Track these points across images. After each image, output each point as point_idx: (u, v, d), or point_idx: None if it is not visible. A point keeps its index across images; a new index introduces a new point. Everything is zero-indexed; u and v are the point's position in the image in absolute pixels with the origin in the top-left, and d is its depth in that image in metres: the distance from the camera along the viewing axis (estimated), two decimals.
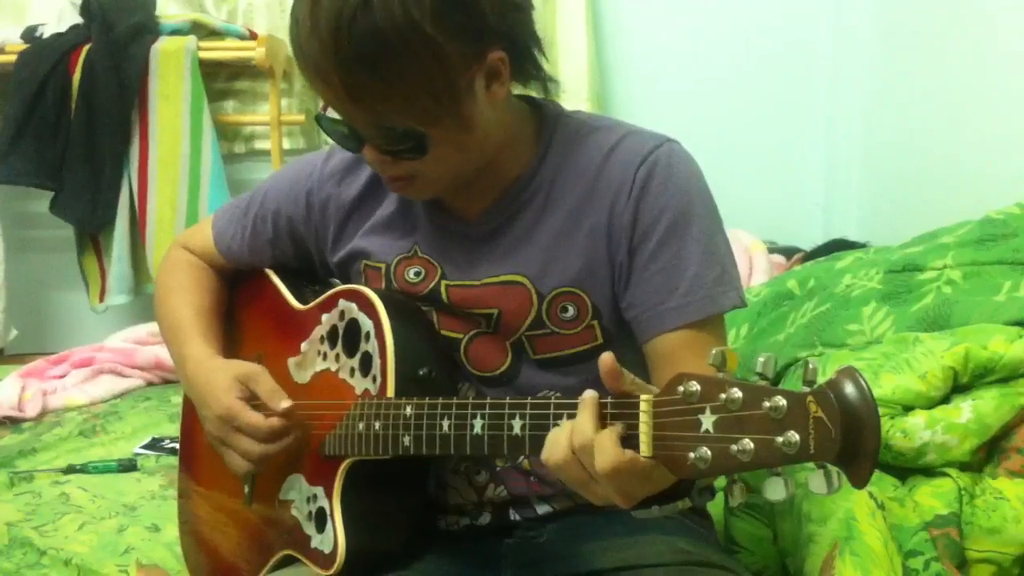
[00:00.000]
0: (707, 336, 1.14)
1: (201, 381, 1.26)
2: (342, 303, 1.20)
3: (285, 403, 1.17)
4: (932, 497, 1.32)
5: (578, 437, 0.90)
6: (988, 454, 1.39)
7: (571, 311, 1.17)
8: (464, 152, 1.12)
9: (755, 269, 2.70)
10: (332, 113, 1.11)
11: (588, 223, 1.16)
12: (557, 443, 0.92)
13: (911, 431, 1.35)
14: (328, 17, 1.00)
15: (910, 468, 1.38)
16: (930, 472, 1.37)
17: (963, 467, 1.36)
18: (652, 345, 1.16)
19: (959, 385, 1.39)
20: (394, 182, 1.14)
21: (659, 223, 1.14)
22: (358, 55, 1.00)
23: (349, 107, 1.06)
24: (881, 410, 1.36)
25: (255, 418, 1.18)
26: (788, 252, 2.88)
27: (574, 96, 3.07)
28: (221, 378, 1.23)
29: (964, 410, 1.35)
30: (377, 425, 1.09)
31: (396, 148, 1.09)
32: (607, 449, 0.87)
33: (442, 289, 1.20)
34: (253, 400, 1.21)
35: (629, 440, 0.87)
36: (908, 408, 1.38)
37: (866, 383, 0.76)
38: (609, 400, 0.90)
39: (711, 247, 1.15)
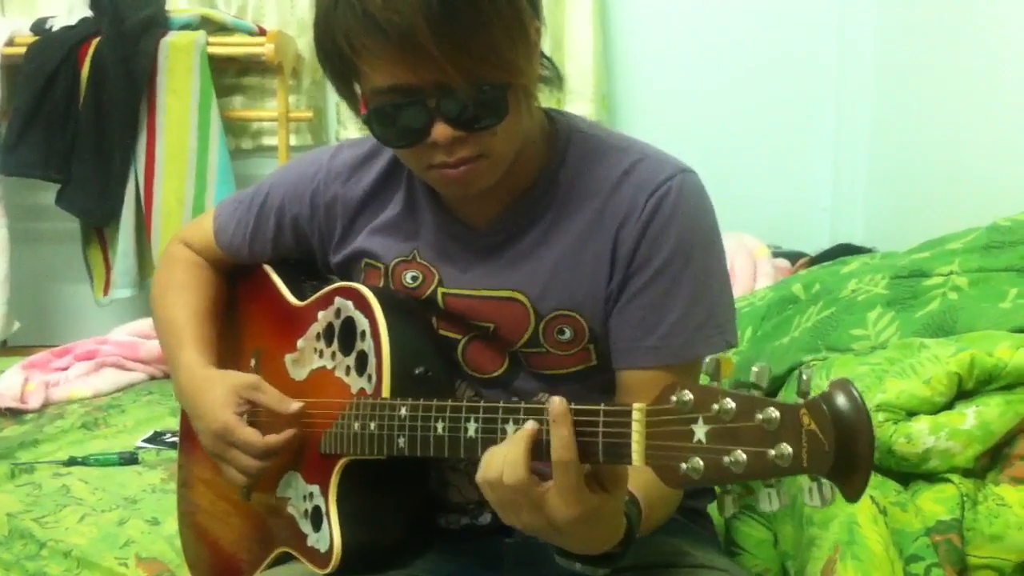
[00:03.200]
0: (680, 379, 1.13)
1: (194, 393, 1.25)
2: (338, 300, 1.20)
3: (295, 405, 1.17)
4: (934, 503, 1.31)
5: (510, 475, 0.91)
6: (991, 460, 1.38)
7: (568, 333, 1.17)
8: (523, 125, 1.11)
9: (759, 273, 2.69)
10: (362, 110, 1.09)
11: (593, 248, 1.15)
12: (492, 464, 0.93)
13: (915, 436, 1.34)
14: None
15: (913, 473, 1.38)
16: (933, 478, 1.36)
17: (966, 473, 1.35)
18: (622, 376, 1.16)
19: (963, 391, 1.38)
20: (461, 166, 1.08)
21: (655, 259, 1.13)
22: (446, 9, 0.99)
23: (439, 68, 1.01)
24: (885, 415, 1.36)
25: (251, 435, 1.18)
26: (793, 256, 2.87)
27: (579, 96, 3.06)
28: (217, 391, 1.22)
29: (968, 416, 1.34)
30: (372, 425, 1.08)
31: (479, 111, 1.05)
32: (565, 503, 0.90)
33: (438, 296, 1.20)
34: (253, 410, 1.21)
35: (620, 448, 0.87)
36: (912, 413, 1.37)
37: (860, 396, 0.75)
38: (602, 408, 0.89)
39: (702, 291, 1.14)
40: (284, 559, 1.23)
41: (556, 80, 1.19)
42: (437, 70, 1.01)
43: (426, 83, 1.03)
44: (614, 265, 1.14)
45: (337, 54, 1.06)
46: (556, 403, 0.90)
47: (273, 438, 1.17)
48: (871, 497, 1.30)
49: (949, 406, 1.38)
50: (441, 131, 1.05)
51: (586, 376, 1.19)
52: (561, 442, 0.89)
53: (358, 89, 1.10)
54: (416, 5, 0.98)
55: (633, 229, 1.13)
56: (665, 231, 1.13)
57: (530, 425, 0.93)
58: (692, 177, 1.16)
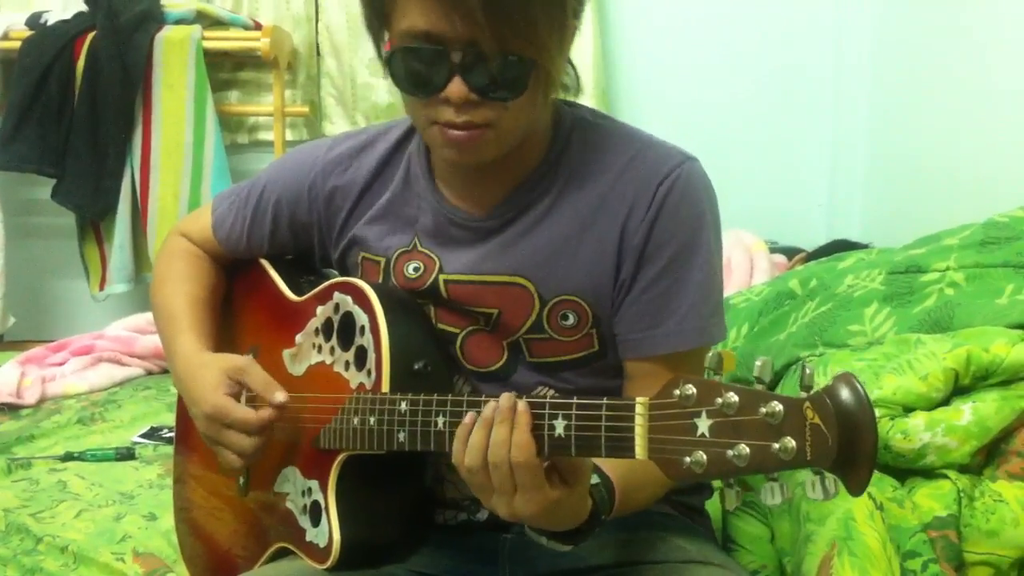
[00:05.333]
0: (689, 365, 1.14)
1: (189, 378, 1.24)
2: (337, 296, 1.20)
3: (280, 395, 1.16)
4: (931, 499, 1.32)
5: (519, 453, 0.92)
6: (988, 457, 1.38)
7: (571, 319, 1.17)
8: (535, 109, 1.11)
9: (756, 269, 2.69)
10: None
11: (598, 232, 1.15)
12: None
13: (911, 432, 1.34)
14: None
15: (909, 469, 1.38)
16: (929, 474, 1.36)
17: (963, 469, 1.36)
18: (633, 365, 1.17)
19: (960, 387, 1.39)
20: (462, 132, 1.08)
21: (667, 247, 1.13)
22: None
23: (476, 26, 1.01)
24: (881, 411, 1.36)
25: (245, 413, 1.17)
26: (790, 252, 2.87)
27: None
28: (209, 375, 1.21)
29: (964, 412, 1.34)
30: (372, 420, 1.08)
31: (499, 80, 1.05)
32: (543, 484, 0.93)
33: (440, 284, 1.20)
34: (245, 393, 1.20)
35: (622, 442, 0.88)
36: (908, 409, 1.37)
37: (864, 390, 0.76)
38: (605, 401, 0.90)
39: (711, 278, 1.15)
40: (281, 554, 1.23)
41: (574, 88, 1.19)
42: (474, 27, 1.01)
43: (458, 37, 1.03)
44: (622, 254, 1.15)
45: None
46: (504, 400, 0.94)
47: (267, 412, 1.16)
48: (868, 493, 1.30)
49: (946, 402, 1.39)
50: (456, 89, 1.05)
51: (586, 363, 1.19)
52: (517, 446, 0.93)
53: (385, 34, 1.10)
54: None
55: (642, 218, 1.13)
56: (676, 219, 1.13)
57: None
58: (698, 165, 1.17)
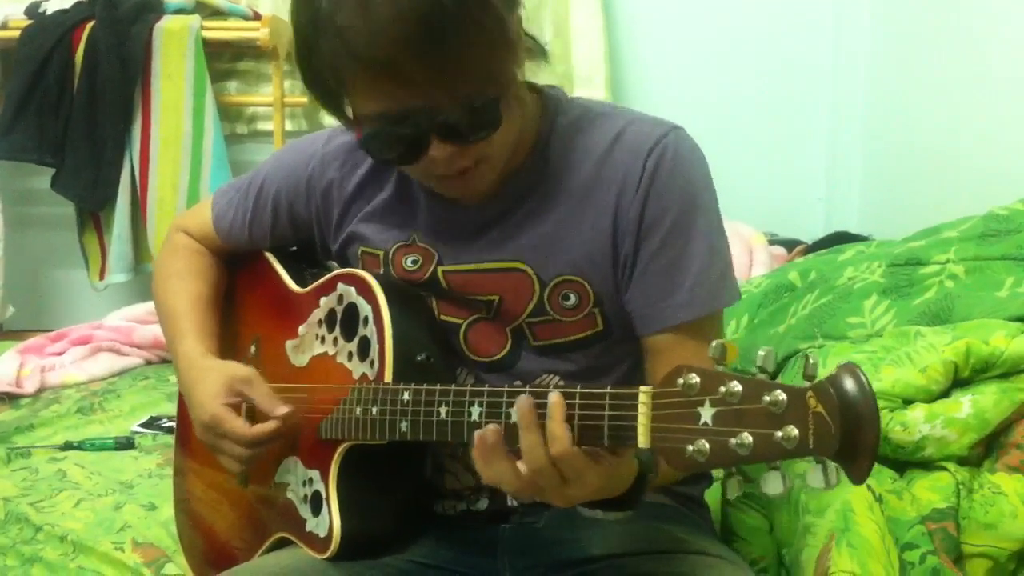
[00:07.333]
0: (708, 331, 1.14)
1: (191, 383, 1.25)
2: (340, 287, 1.20)
3: (282, 409, 1.17)
4: (930, 491, 1.32)
5: (556, 446, 0.91)
6: (987, 449, 1.38)
7: (572, 299, 1.17)
8: (516, 124, 1.11)
9: (755, 261, 2.69)
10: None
11: (592, 211, 1.15)
12: (534, 450, 0.92)
13: (910, 424, 1.34)
14: (390, 13, 0.97)
15: (908, 461, 1.38)
16: (928, 466, 1.36)
17: (961, 461, 1.36)
18: (652, 340, 1.16)
19: (959, 379, 1.39)
20: (459, 177, 1.10)
21: (665, 217, 1.13)
22: (428, 36, 0.98)
23: (428, 94, 1.01)
24: (881, 403, 1.36)
25: (238, 426, 1.18)
26: (789, 244, 2.87)
27: (590, 82, 3.07)
28: (210, 383, 1.21)
29: (964, 404, 1.34)
30: (374, 410, 1.08)
31: (473, 126, 1.05)
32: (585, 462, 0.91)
33: (439, 275, 1.20)
34: (245, 402, 1.21)
35: (625, 431, 0.88)
36: (908, 401, 1.38)
37: (867, 379, 0.76)
38: (608, 391, 0.90)
39: (715, 242, 1.15)
40: (281, 544, 1.23)
41: (539, 52, 1.18)
42: (425, 95, 1.01)
43: (416, 108, 1.03)
44: (619, 231, 1.15)
45: (322, 85, 1.07)
46: (523, 402, 0.93)
47: (260, 427, 1.17)
48: (867, 485, 1.30)
49: (945, 394, 1.39)
50: (437, 149, 1.06)
51: (592, 343, 1.19)
52: (552, 439, 0.91)
53: (349, 111, 1.10)
54: (399, 36, 0.98)
55: (635, 193, 1.13)
56: (669, 188, 1.13)
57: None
58: (684, 132, 1.17)
